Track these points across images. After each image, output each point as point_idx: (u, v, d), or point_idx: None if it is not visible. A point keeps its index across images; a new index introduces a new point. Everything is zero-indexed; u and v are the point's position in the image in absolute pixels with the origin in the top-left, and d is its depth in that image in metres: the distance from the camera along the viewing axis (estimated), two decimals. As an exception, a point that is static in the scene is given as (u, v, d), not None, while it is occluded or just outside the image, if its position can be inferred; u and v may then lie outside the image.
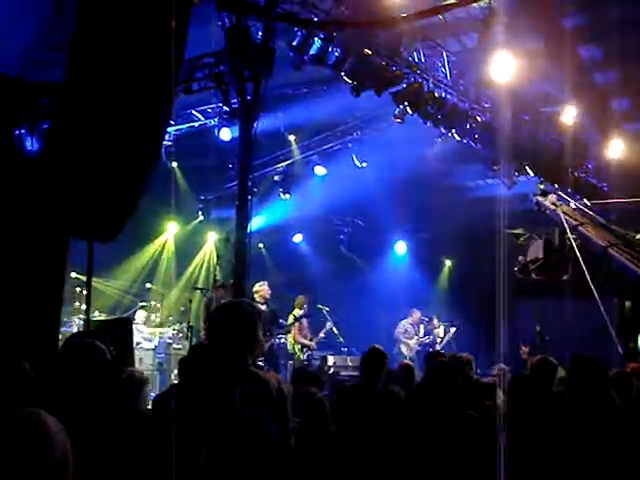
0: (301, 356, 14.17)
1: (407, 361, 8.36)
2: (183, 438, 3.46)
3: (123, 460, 3.55)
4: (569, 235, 10.40)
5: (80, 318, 13.37)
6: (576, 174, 16.13)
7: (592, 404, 4.79)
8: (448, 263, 21.22)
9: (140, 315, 15.55)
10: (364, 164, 17.00)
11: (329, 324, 14.82)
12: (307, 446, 4.02)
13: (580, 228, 10.62)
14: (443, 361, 5.41)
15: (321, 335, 14.72)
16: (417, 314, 16.96)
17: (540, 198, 12.72)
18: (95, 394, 3.56)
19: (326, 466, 4.83)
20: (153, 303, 16.66)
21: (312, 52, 11.15)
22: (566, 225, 10.70)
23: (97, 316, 13.91)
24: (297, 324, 14.24)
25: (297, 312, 14.36)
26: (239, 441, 3.54)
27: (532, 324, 16.62)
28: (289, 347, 14.32)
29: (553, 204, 12.11)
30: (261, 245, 18.81)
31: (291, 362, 14.10)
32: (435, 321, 17.20)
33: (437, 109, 13.33)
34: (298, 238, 20.53)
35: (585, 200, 17.10)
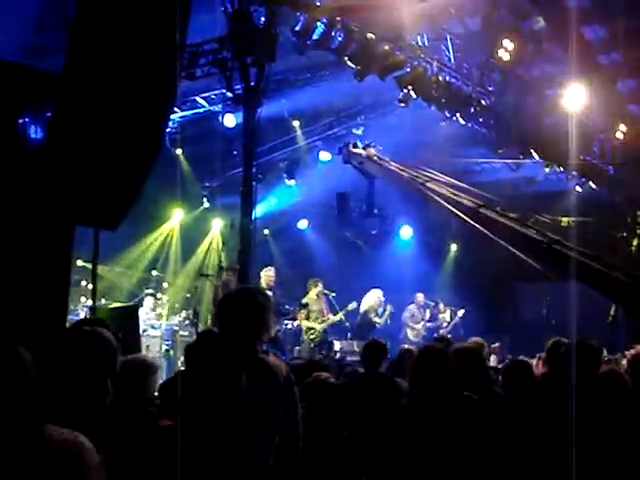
0: (308, 340, 14.11)
1: (407, 346, 8.33)
2: (189, 424, 3.46)
3: (130, 449, 3.55)
4: (426, 190, 9.75)
5: (86, 306, 13.40)
6: (581, 157, 16.08)
7: (596, 390, 4.77)
8: (454, 247, 21.19)
9: (146, 302, 15.58)
10: (369, 149, 16.97)
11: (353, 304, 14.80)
12: (315, 432, 4.03)
13: (430, 185, 9.95)
14: (429, 349, 5.33)
15: (335, 318, 14.57)
16: (421, 296, 16.95)
17: (355, 150, 12.02)
18: (101, 385, 3.54)
19: (335, 453, 4.84)
20: (159, 292, 16.66)
21: (315, 37, 11.12)
22: (415, 182, 10.09)
23: (103, 304, 13.93)
24: (304, 309, 14.20)
25: (310, 297, 14.32)
26: (245, 427, 3.55)
27: (538, 308, 16.66)
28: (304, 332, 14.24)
29: (377, 157, 11.51)
30: (266, 231, 18.80)
31: (297, 347, 14.09)
32: (441, 305, 17.19)
33: (441, 93, 13.31)
34: (303, 224, 20.49)
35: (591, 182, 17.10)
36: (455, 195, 9.41)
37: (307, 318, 14.18)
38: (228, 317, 3.84)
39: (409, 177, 10.33)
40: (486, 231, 8.38)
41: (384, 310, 15.69)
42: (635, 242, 17.20)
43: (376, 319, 15.37)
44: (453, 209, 9.05)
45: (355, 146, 12.05)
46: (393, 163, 11.10)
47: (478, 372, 5.24)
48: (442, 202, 9.24)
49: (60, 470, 1.82)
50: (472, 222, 8.62)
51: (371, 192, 12.13)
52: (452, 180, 10.09)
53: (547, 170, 17.10)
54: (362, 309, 15.23)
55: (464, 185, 10.04)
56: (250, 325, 3.78)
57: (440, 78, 13.12)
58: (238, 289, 4.28)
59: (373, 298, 15.50)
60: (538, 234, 7.76)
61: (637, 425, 4.67)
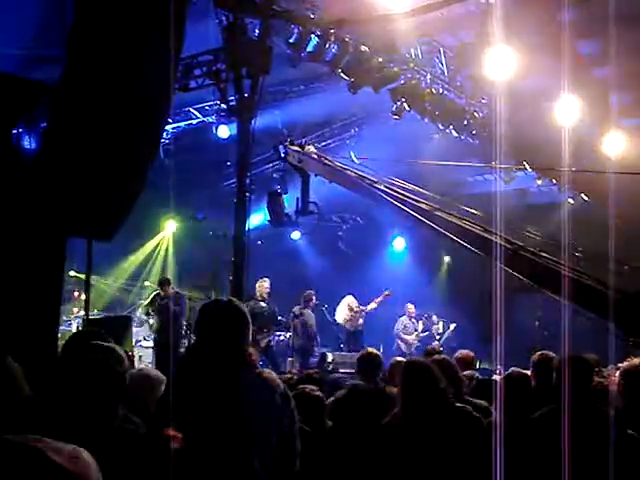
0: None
1: (398, 358, 8.32)
2: (184, 437, 3.43)
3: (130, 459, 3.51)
4: (375, 190, 9.61)
5: (78, 316, 13.38)
6: (574, 169, 16.11)
7: (585, 404, 4.76)
8: (447, 259, 21.20)
9: (139, 313, 15.55)
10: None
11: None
12: (302, 443, 4.01)
13: (380, 186, 9.79)
14: (413, 363, 5.30)
15: None
16: (411, 307, 16.95)
17: (293, 147, 11.93)
18: (106, 401, 3.49)
19: (321, 463, 4.83)
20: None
21: (309, 49, 11.15)
22: (363, 181, 10.00)
23: (96, 314, 13.91)
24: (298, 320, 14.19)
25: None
26: (239, 442, 3.52)
27: (531, 320, 16.66)
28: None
29: (317, 155, 11.43)
30: (259, 242, 18.76)
31: (290, 359, 14.07)
32: (434, 317, 17.19)
33: (434, 105, 13.35)
34: (296, 235, 20.47)
35: (585, 195, 17.14)
36: (408, 198, 9.30)
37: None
38: (215, 330, 3.74)
39: (356, 176, 10.28)
40: (444, 231, 8.30)
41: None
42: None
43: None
44: (405, 208, 8.97)
45: (292, 143, 12.03)
46: (337, 162, 11.09)
47: (451, 383, 5.23)
48: (393, 202, 9.14)
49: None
50: (429, 223, 8.56)
51: (305, 189, 12.16)
52: (406, 184, 9.96)
53: (539, 182, 17.16)
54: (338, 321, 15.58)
55: (420, 189, 9.94)
56: (237, 337, 3.72)
57: (433, 90, 13.17)
58: (221, 302, 4.08)
59: (343, 310, 15.84)
60: (502, 240, 7.71)
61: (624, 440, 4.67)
